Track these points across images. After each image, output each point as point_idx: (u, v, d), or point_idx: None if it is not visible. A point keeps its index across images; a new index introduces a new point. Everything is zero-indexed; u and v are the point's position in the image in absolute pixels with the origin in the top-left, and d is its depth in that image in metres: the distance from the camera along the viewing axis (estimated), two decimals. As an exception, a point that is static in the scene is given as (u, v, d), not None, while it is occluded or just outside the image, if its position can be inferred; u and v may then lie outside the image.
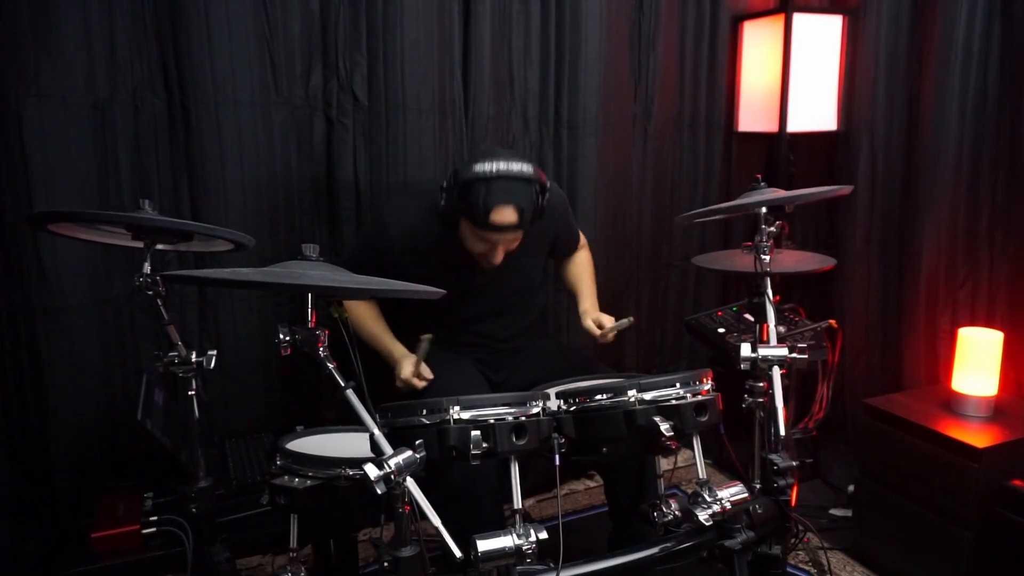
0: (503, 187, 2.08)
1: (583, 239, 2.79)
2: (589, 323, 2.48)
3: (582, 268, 2.73)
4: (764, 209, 1.96)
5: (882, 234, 3.09)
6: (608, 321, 2.44)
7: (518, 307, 2.54)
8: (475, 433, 1.55)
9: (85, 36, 2.32)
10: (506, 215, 2.10)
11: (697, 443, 1.76)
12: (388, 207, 2.46)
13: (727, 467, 3.14)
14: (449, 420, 1.57)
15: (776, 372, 1.89)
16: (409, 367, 2.24)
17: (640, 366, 3.49)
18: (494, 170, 2.08)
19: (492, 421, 1.58)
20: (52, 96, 2.29)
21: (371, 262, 2.25)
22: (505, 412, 1.60)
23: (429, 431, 1.56)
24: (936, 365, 2.83)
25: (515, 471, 1.60)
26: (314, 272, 1.51)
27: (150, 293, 1.67)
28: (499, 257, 2.23)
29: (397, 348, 2.36)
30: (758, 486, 1.99)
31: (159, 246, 1.74)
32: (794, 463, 1.87)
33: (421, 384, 2.24)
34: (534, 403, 1.65)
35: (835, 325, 2.82)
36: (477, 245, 2.23)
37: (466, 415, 1.57)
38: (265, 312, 2.67)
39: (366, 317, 2.41)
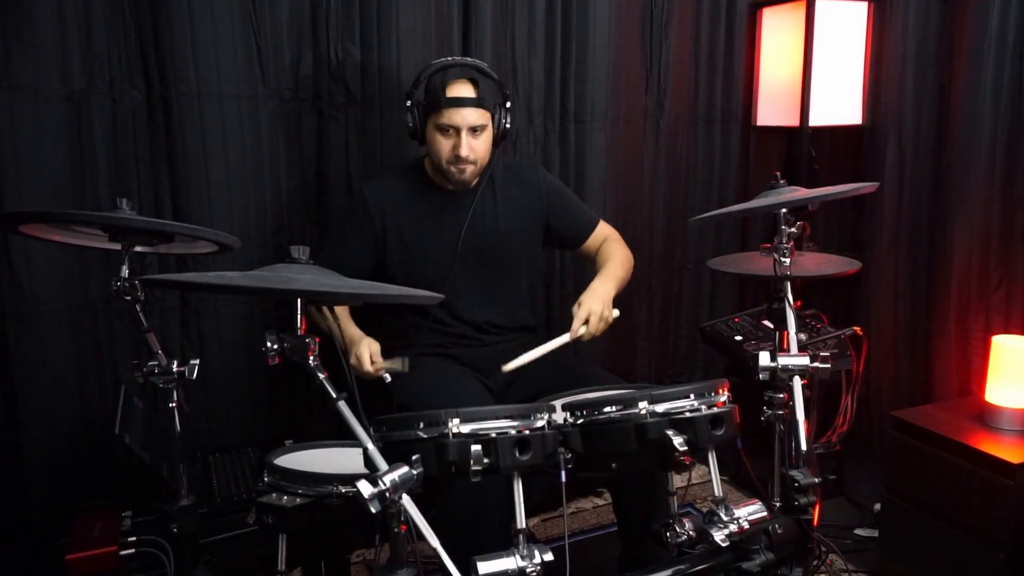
0: (457, 69, 2.35)
1: (610, 231, 2.75)
2: (575, 308, 2.38)
3: (609, 251, 2.66)
4: (784, 209, 1.97)
5: (910, 235, 3.09)
6: (583, 322, 2.35)
7: (496, 273, 2.56)
8: (476, 448, 1.55)
9: (59, 23, 2.33)
10: (461, 88, 2.33)
11: (712, 458, 1.75)
12: (363, 185, 2.56)
13: (745, 484, 3.14)
14: (448, 434, 1.56)
15: (797, 383, 1.89)
16: (368, 353, 2.27)
17: (652, 376, 3.50)
18: (448, 60, 2.39)
19: (494, 435, 1.58)
20: (23, 87, 2.30)
21: (352, 230, 2.49)
22: (508, 425, 1.59)
23: (427, 445, 1.56)
24: (968, 375, 2.83)
25: (518, 488, 1.60)
26: (304, 276, 1.51)
27: (128, 298, 1.68)
28: (465, 148, 2.33)
29: (356, 330, 2.39)
30: (778, 504, 1.99)
31: (138, 248, 1.74)
32: (816, 480, 1.87)
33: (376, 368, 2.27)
34: (539, 416, 1.65)
35: (860, 332, 2.81)
36: (442, 145, 2.36)
37: (466, 428, 1.57)
38: (251, 319, 2.68)
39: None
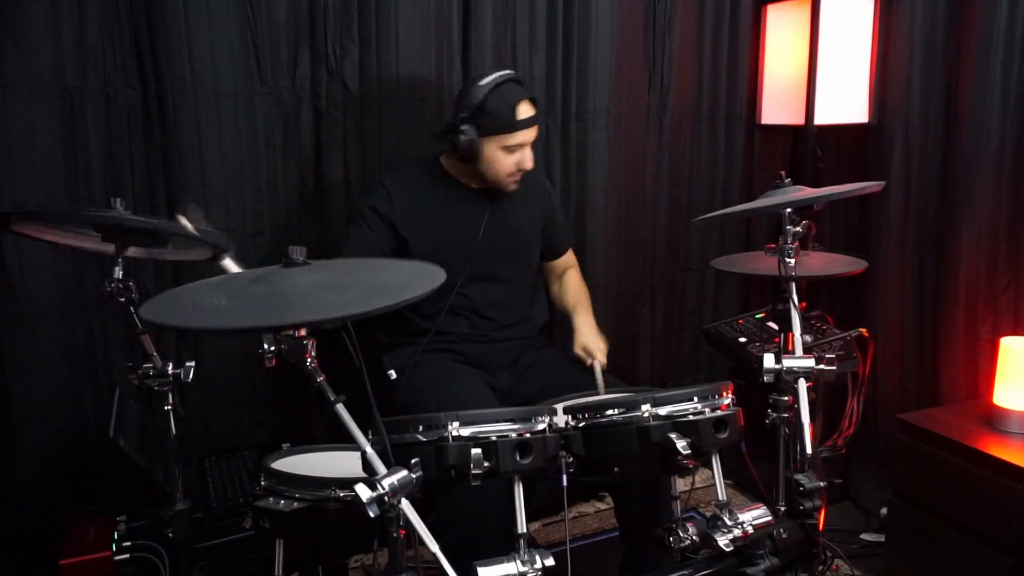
0: (513, 87, 2.40)
1: (574, 259, 2.92)
2: (580, 352, 2.56)
3: (577, 288, 2.83)
4: (789, 209, 1.97)
5: (917, 235, 3.09)
6: (599, 354, 2.51)
7: (512, 271, 2.61)
8: (475, 451, 1.55)
9: (53, 20, 2.33)
10: (528, 109, 2.42)
11: (716, 462, 1.76)
12: (383, 175, 2.58)
13: (749, 488, 3.14)
14: (448, 437, 1.57)
15: (802, 385, 1.89)
16: None
17: (655, 379, 3.49)
18: (498, 76, 2.39)
19: (494, 438, 1.58)
20: (17, 85, 2.30)
21: (371, 217, 2.47)
22: (508, 428, 1.59)
23: (426, 449, 1.56)
24: (976, 377, 2.83)
25: (519, 492, 1.60)
26: (302, 280, 1.49)
27: (122, 300, 1.68)
28: (530, 161, 2.46)
29: None
30: (783, 509, 1.99)
31: (132, 251, 1.74)
32: (822, 484, 1.87)
33: None
34: (540, 419, 1.65)
35: (866, 334, 2.81)
36: (505, 162, 2.43)
37: (466, 432, 1.57)
38: (248, 320, 2.67)
39: None
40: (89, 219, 1.73)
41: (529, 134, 2.43)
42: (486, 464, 1.55)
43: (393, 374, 2.46)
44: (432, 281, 1.48)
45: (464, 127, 2.38)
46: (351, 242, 2.49)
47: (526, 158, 2.45)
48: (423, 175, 2.55)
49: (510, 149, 2.41)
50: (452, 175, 2.56)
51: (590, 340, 2.55)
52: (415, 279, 1.49)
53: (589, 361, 2.49)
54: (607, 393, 2.25)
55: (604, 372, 2.48)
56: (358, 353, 1.53)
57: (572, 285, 2.82)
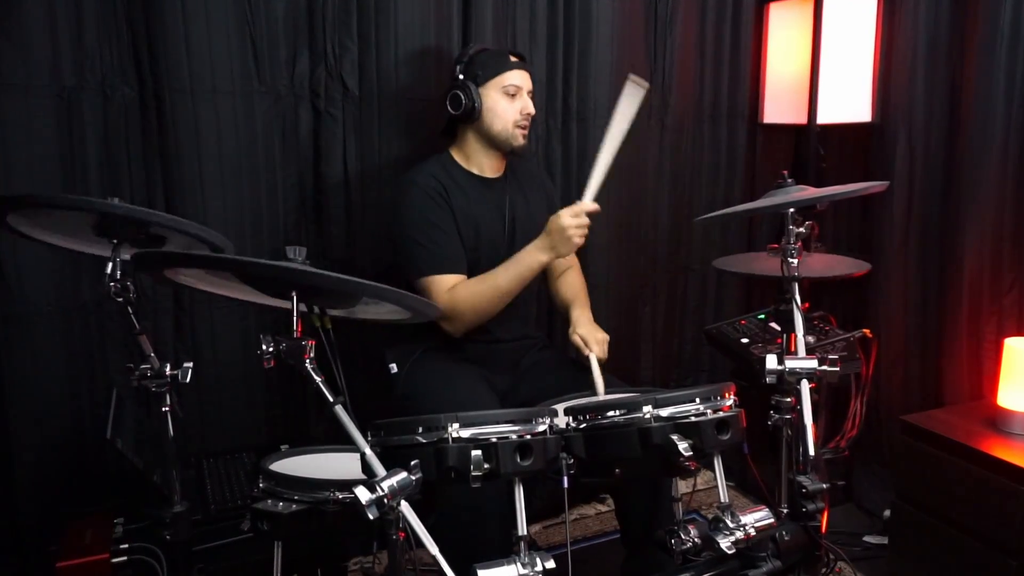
0: (503, 50, 2.57)
1: (574, 258, 2.84)
2: (576, 338, 2.50)
3: (576, 285, 2.78)
4: (792, 208, 1.96)
5: (921, 235, 3.09)
6: (595, 345, 2.45)
7: None
8: (476, 453, 1.55)
9: (50, 19, 2.33)
10: (515, 57, 2.52)
11: (718, 464, 1.75)
12: (411, 176, 2.51)
13: (751, 490, 3.13)
14: (448, 438, 1.56)
15: (805, 386, 1.89)
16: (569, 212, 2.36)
17: (656, 380, 3.50)
18: (485, 44, 2.60)
19: (494, 440, 1.58)
20: (13, 84, 2.30)
21: (434, 214, 2.43)
22: (509, 430, 1.59)
23: (426, 450, 1.56)
24: (980, 379, 2.83)
25: (519, 494, 1.60)
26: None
27: (120, 300, 1.67)
28: (532, 105, 2.53)
29: (527, 250, 2.41)
30: (785, 511, 1.99)
31: (126, 255, 1.72)
32: (825, 486, 1.87)
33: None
34: (540, 420, 1.65)
35: (869, 335, 2.81)
36: (509, 108, 2.48)
37: (466, 433, 1.57)
38: (247, 320, 2.67)
39: (482, 280, 2.42)
40: (79, 205, 1.73)
41: (524, 77, 2.50)
42: (486, 466, 1.55)
43: (394, 368, 2.46)
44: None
45: (462, 83, 2.46)
46: (434, 252, 2.42)
47: (528, 103, 2.50)
48: (442, 169, 2.53)
49: (509, 93, 2.46)
50: (464, 167, 2.56)
51: (588, 330, 2.51)
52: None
53: (587, 351, 2.46)
54: (607, 394, 2.25)
55: (604, 371, 2.48)
56: (336, 358, 1.53)
57: (572, 281, 2.78)
